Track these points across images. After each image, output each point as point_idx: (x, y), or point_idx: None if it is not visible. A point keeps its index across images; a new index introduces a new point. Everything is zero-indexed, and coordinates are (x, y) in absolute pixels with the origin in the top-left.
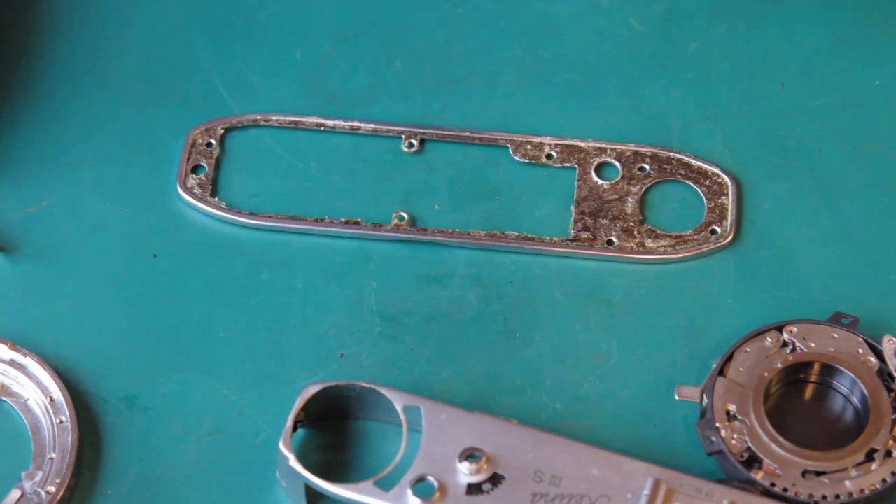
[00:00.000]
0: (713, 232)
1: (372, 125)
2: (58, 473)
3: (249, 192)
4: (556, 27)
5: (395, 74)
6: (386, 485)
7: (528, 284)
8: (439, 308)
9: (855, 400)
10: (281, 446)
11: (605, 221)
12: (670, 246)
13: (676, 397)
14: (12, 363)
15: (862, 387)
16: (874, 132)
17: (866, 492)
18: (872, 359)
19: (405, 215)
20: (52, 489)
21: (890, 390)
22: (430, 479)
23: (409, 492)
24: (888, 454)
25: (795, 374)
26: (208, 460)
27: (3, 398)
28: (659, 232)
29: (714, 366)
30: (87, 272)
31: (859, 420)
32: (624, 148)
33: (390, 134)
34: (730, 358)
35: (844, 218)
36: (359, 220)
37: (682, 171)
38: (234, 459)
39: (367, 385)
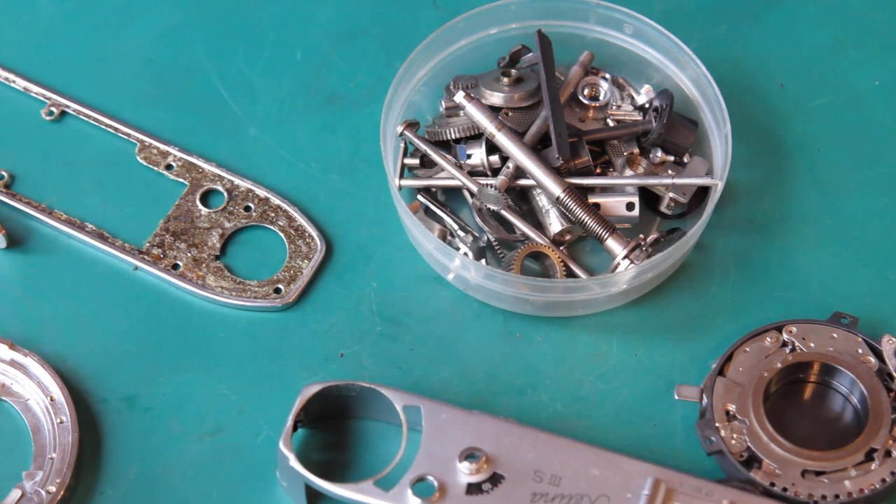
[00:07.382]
0: (277, 290)
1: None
2: (58, 473)
3: None
4: None
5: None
6: (386, 484)
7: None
8: (439, 308)
9: (854, 400)
10: (281, 446)
11: (181, 245)
12: (228, 289)
13: (676, 397)
14: (13, 363)
15: (861, 387)
16: (874, 132)
17: (866, 491)
18: (872, 359)
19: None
20: (53, 489)
21: (889, 390)
22: (430, 478)
23: (409, 491)
24: (888, 454)
25: (795, 373)
26: (208, 460)
27: (4, 398)
28: (226, 273)
29: (714, 366)
30: (88, 272)
31: (859, 420)
32: (241, 182)
33: (39, 97)
34: (729, 358)
35: (844, 218)
36: None
37: (283, 223)
38: (234, 459)
39: (367, 385)
